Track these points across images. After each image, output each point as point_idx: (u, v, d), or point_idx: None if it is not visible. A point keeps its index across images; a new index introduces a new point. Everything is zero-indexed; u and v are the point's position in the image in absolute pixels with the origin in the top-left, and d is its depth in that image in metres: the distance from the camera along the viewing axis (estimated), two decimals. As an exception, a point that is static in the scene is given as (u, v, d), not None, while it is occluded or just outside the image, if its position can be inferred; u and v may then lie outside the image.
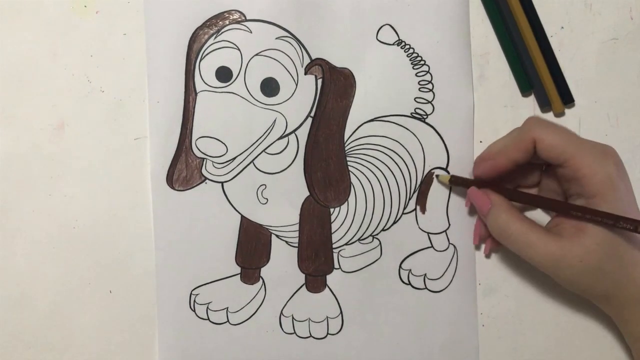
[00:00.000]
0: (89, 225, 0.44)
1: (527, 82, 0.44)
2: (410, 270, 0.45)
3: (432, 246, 0.45)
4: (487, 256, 0.45)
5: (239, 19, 0.43)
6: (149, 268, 0.44)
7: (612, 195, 0.37)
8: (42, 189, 0.44)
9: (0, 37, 0.43)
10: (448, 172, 0.44)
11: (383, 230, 0.45)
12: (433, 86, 0.44)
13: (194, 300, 0.44)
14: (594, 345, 0.45)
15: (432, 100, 0.44)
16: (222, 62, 0.43)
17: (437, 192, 0.45)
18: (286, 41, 0.43)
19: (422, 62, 0.44)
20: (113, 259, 0.44)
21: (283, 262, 0.44)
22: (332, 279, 0.45)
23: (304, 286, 0.44)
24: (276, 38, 0.43)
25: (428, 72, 0.44)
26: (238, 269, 0.44)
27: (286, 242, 0.44)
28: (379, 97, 0.44)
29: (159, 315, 0.44)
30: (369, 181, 0.44)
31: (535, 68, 0.44)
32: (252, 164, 0.44)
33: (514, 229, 0.39)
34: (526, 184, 0.44)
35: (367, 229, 0.44)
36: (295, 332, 0.44)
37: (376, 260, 0.45)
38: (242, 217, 0.44)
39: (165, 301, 0.44)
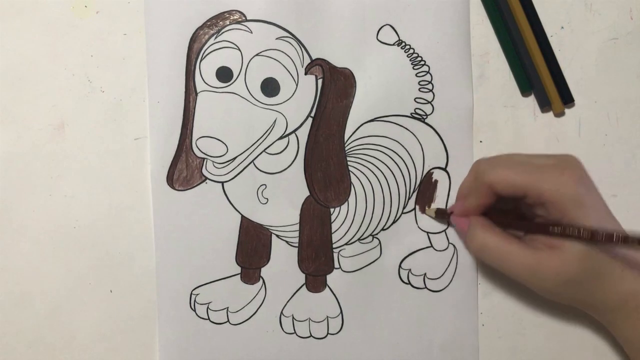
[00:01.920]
0: (89, 225, 0.44)
1: (527, 82, 0.44)
2: (410, 269, 0.45)
3: (431, 246, 0.45)
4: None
5: (239, 19, 0.43)
6: (149, 268, 0.44)
7: (578, 213, 0.37)
8: (42, 189, 0.44)
9: (0, 37, 0.43)
10: (448, 172, 0.44)
11: (383, 229, 0.45)
12: (433, 86, 0.44)
13: (194, 300, 0.44)
14: (594, 346, 0.45)
15: (432, 101, 0.44)
16: (223, 62, 0.43)
17: (437, 192, 0.45)
18: (286, 41, 0.43)
19: (422, 62, 0.44)
20: (113, 259, 0.44)
21: (283, 262, 0.44)
22: (332, 278, 0.45)
23: (304, 286, 0.45)
24: (276, 38, 0.43)
25: (428, 72, 0.44)
26: (238, 269, 0.44)
27: (286, 242, 0.44)
28: (379, 97, 0.44)
29: (159, 315, 0.44)
30: (369, 181, 0.44)
31: (535, 68, 0.44)
32: (252, 164, 0.44)
33: (490, 242, 0.39)
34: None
35: (367, 228, 0.44)
36: (295, 332, 0.45)
37: (376, 259, 0.45)
38: (243, 217, 0.44)
39: (165, 301, 0.44)
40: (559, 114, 0.45)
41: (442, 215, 0.44)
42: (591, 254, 0.37)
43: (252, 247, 0.44)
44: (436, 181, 0.44)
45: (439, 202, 0.45)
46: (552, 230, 0.38)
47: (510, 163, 0.39)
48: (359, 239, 0.45)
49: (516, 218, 0.42)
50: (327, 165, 0.44)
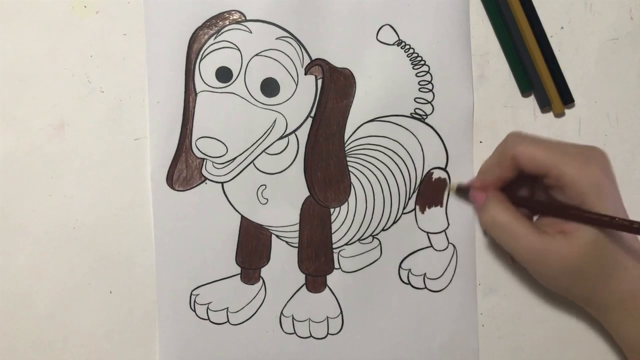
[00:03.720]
0: (89, 225, 0.44)
1: (527, 82, 0.44)
2: (410, 269, 0.45)
3: (431, 246, 0.45)
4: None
5: (239, 19, 0.43)
6: (149, 268, 0.44)
7: (597, 199, 0.37)
8: (42, 189, 0.44)
9: (0, 37, 0.43)
10: (447, 172, 0.44)
11: (383, 230, 0.45)
12: (433, 86, 0.44)
13: (194, 300, 0.44)
14: (594, 346, 0.45)
15: (432, 101, 0.44)
16: (222, 63, 0.43)
17: (437, 192, 0.45)
18: (286, 41, 0.43)
19: (422, 62, 0.44)
20: (113, 259, 0.44)
21: (283, 262, 0.44)
22: (332, 279, 0.45)
23: (304, 286, 0.45)
24: (276, 38, 0.43)
25: (428, 72, 0.44)
26: (238, 269, 0.44)
27: (286, 242, 0.44)
28: (379, 97, 0.44)
29: (159, 315, 0.44)
30: (369, 181, 0.44)
31: (535, 68, 0.44)
32: (252, 164, 0.44)
33: (502, 218, 0.39)
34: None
35: (367, 229, 0.44)
36: (295, 332, 0.45)
37: (376, 260, 0.45)
38: (242, 217, 0.44)
39: (165, 301, 0.44)
40: (559, 114, 0.45)
41: (462, 192, 0.44)
42: (599, 246, 0.37)
43: (252, 248, 0.44)
44: (443, 179, 0.44)
45: (438, 202, 0.45)
46: (570, 212, 0.38)
47: (539, 141, 0.40)
48: (359, 239, 0.45)
49: (532, 200, 0.42)
50: (327, 166, 0.44)
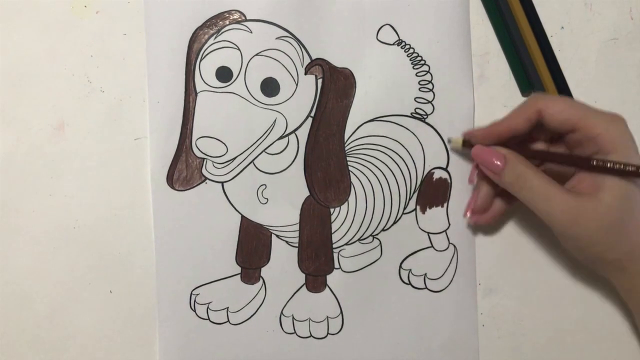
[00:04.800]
0: (89, 225, 0.44)
1: (527, 82, 0.44)
2: (410, 270, 0.45)
3: (432, 246, 0.45)
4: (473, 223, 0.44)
5: (239, 19, 0.43)
6: (149, 268, 0.44)
7: (628, 151, 0.37)
8: (42, 189, 0.44)
9: (0, 37, 0.43)
10: (448, 172, 0.45)
11: (383, 230, 0.45)
12: (433, 86, 0.44)
13: (194, 300, 0.44)
14: (594, 346, 0.45)
15: (432, 100, 0.44)
16: (222, 62, 0.43)
17: (438, 192, 0.45)
18: (286, 41, 0.43)
19: (422, 62, 0.44)
20: (113, 259, 0.44)
21: (283, 262, 0.44)
22: (332, 278, 0.45)
23: (304, 286, 0.45)
24: (276, 38, 0.43)
25: (428, 72, 0.44)
26: (238, 269, 0.44)
27: (286, 242, 0.44)
28: (379, 97, 0.44)
29: (159, 315, 0.44)
30: (369, 181, 0.44)
31: (535, 68, 0.44)
32: (252, 164, 0.44)
33: (535, 181, 0.38)
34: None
35: (367, 228, 0.44)
36: (295, 332, 0.45)
37: (376, 260, 0.45)
38: (243, 217, 0.44)
39: (165, 301, 0.44)
40: (559, 114, 0.45)
41: (470, 146, 0.42)
42: (633, 201, 0.37)
43: (252, 247, 0.44)
44: (444, 179, 0.44)
45: (439, 202, 0.45)
46: (601, 164, 0.37)
47: (566, 98, 0.40)
48: (359, 239, 0.45)
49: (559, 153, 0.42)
50: (327, 165, 0.44)
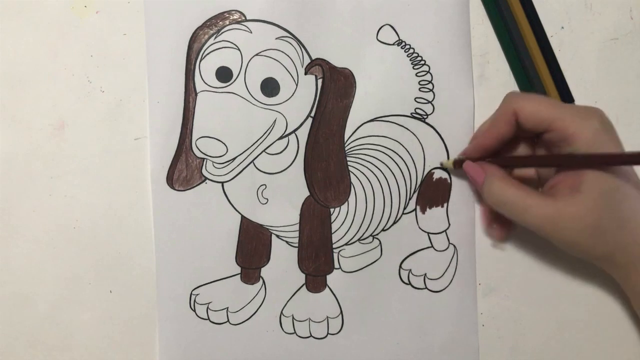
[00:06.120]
0: (89, 225, 0.44)
1: (527, 82, 0.44)
2: (410, 270, 0.45)
3: (432, 246, 0.45)
4: (499, 240, 0.45)
5: (239, 19, 0.43)
6: (149, 268, 0.44)
7: (602, 146, 0.37)
8: (42, 189, 0.44)
9: (1, 37, 0.43)
10: (448, 172, 0.45)
11: (383, 230, 0.45)
12: (433, 86, 0.44)
13: (194, 300, 0.44)
14: (594, 346, 0.45)
15: (432, 100, 0.44)
16: (222, 62, 0.43)
17: (437, 192, 0.45)
18: (286, 41, 0.43)
19: (422, 62, 0.44)
20: (113, 259, 0.44)
21: (283, 262, 0.44)
22: (332, 279, 0.45)
23: (304, 286, 0.45)
24: (276, 38, 0.43)
25: (428, 72, 0.44)
26: (238, 269, 0.44)
27: (286, 242, 0.44)
28: (379, 97, 0.44)
29: (159, 315, 0.44)
30: (369, 181, 0.44)
31: (535, 68, 0.44)
32: (252, 164, 0.44)
33: (509, 194, 0.38)
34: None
35: (367, 229, 0.44)
36: (295, 332, 0.45)
37: (376, 260, 0.45)
38: (242, 217, 0.44)
39: (165, 301, 0.44)
40: (559, 114, 0.45)
41: (461, 165, 0.43)
42: (612, 197, 0.37)
43: (252, 247, 0.44)
44: (444, 180, 0.44)
45: (439, 202, 0.45)
46: (575, 158, 0.37)
47: (541, 97, 0.40)
48: (359, 239, 0.45)
49: (532, 156, 0.42)
50: (327, 165, 0.44)
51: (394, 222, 0.45)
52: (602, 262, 0.40)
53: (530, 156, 0.42)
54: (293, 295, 0.45)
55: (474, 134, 0.44)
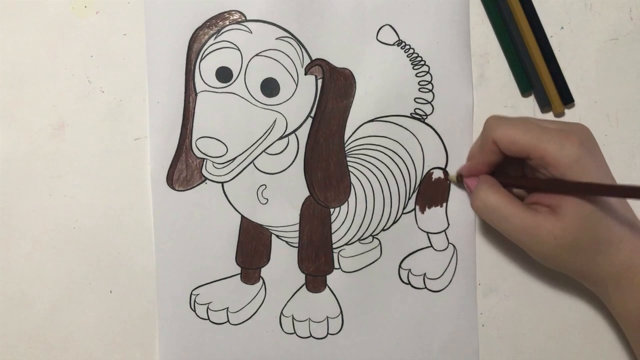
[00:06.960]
0: (89, 225, 0.44)
1: (527, 82, 0.44)
2: (410, 270, 0.45)
3: (431, 246, 0.45)
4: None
5: (239, 19, 0.43)
6: (149, 268, 0.44)
7: (581, 173, 0.37)
8: (42, 189, 0.44)
9: (1, 37, 0.43)
10: (447, 172, 0.45)
11: (383, 230, 0.45)
12: (433, 86, 0.44)
13: (194, 300, 0.44)
14: (594, 346, 0.45)
15: (431, 101, 0.44)
16: (222, 63, 0.43)
17: (437, 192, 0.45)
18: (286, 41, 0.43)
19: (422, 63, 0.44)
20: (113, 259, 0.44)
21: (283, 262, 0.44)
22: (332, 279, 0.45)
23: (304, 286, 0.45)
24: (276, 38, 0.43)
25: (428, 72, 0.44)
26: (238, 269, 0.44)
27: (286, 242, 0.44)
28: (379, 97, 0.44)
29: (159, 315, 0.44)
30: (369, 181, 0.44)
31: (535, 68, 0.44)
32: (252, 164, 0.44)
33: (493, 199, 0.39)
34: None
35: (367, 229, 0.44)
36: (295, 332, 0.45)
37: (376, 260, 0.45)
38: (242, 217, 0.44)
39: (165, 301, 0.44)
40: (559, 114, 0.45)
41: (461, 179, 0.44)
42: (590, 219, 0.37)
43: (252, 247, 0.44)
44: (443, 179, 0.44)
45: (438, 202, 0.45)
46: (556, 184, 0.38)
47: (517, 122, 0.39)
48: (359, 239, 0.45)
49: (520, 177, 0.42)
50: (327, 166, 0.44)
51: (394, 222, 0.45)
52: (578, 277, 0.40)
53: (518, 177, 0.42)
54: (293, 296, 0.45)
55: (469, 151, 0.44)
